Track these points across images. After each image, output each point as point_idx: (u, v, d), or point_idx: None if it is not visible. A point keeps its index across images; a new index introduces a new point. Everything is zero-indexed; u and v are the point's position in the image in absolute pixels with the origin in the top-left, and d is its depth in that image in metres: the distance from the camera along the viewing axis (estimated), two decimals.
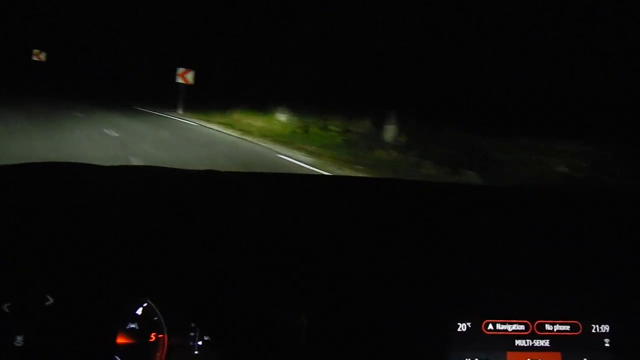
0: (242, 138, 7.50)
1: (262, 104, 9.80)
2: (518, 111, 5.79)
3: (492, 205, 0.81)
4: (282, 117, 9.55)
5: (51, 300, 0.52)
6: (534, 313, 0.63)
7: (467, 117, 6.05)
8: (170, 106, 11.49)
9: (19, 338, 0.51)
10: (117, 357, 0.52)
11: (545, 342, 0.63)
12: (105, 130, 6.22)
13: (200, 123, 9.12)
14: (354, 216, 0.70)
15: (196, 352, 0.55)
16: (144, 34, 15.14)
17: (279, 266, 0.59)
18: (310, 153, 6.56)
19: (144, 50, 15.25)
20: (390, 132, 7.25)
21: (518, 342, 0.63)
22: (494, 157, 5.56)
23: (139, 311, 0.55)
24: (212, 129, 8.42)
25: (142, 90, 13.37)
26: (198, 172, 0.80)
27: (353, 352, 0.58)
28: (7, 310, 0.51)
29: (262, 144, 7.00)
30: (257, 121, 9.39)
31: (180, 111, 10.99)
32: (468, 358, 0.61)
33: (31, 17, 18.19)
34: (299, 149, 6.87)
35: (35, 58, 15.52)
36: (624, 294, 0.66)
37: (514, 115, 5.79)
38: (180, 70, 11.09)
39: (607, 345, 0.65)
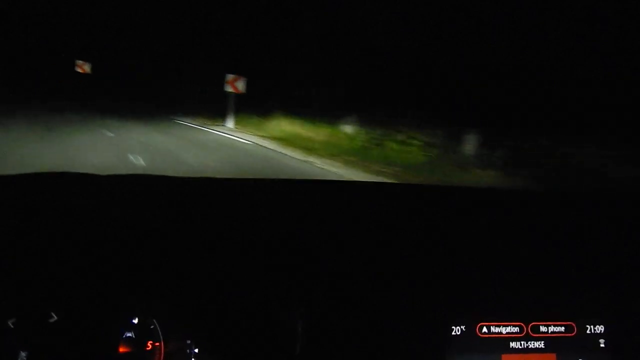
0: (307, 161, 7.61)
1: (320, 113, 10.48)
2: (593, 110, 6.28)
3: (489, 207, 1.03)
4: (347, 128, 9.97)
5: (55, 317, 0.68)
6: (528, 315, 0.82)
7: (536, 119, 6.50)
8: (217, 118, 12.44)
9: (23, 354, 0.66)
10: None
11: (540, 344, 0.82)
12: (130, 157, 6.23)
13: (255, 141, 9.52)
14: (353, 217, 0.92)
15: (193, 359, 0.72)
16: (189, 41, 17.38)
17: (279, 267, 0.78)
18: (395, 177, 6.57)
19: (189, 57, 17.39)
20: (471, 143, 7.33)
21: (513, 345, 0.81)
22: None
23: (135, 320, 0.72)
24: (270, 149, 8.70)
25: (186, 99, 15.12)
26: (197, 179, 1.06)
27: (350, 352, 0.75)
28: (12, 326, 0.67)
29: (335, 169, 7.01)
30: (318, 134, 9.87)
31: (229, 124, 11.78)
32: None
33: (76, 27, 22.05)
34: (379, 172, 6.91)
35: (78, 70, 18.68)
36: (618, 295, 0.85)
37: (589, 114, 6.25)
38: (230, 77, 11.83)
39: (602, 345, 0.83)
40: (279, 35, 13.37)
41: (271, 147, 8.89)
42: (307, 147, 8.91)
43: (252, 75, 11.84)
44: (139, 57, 20.38)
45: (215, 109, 12.88)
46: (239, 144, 9.15)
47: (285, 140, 9.57)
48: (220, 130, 10.75)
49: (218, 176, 1.17)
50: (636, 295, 0.85)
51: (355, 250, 0.83)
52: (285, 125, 10.87)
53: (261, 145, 9.07)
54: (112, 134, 8.23)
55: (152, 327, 0.72)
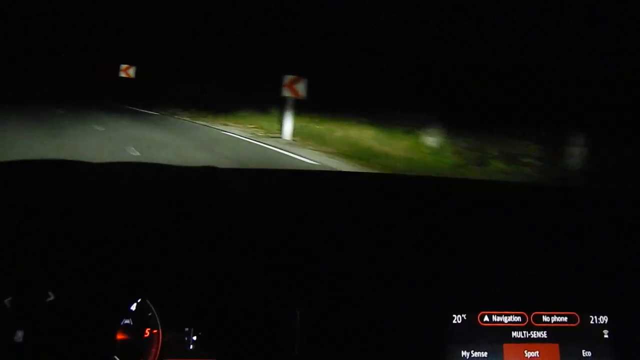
0: None
1: (396, 120, 10.81)
2: None
3: (492, 201, 1.26)
4: (430, 140, 10.05)
5: (52, 296, 0.84)
6: (530, 304, 1.03)
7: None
8: (270, 127, 13.08)
9: (19, 334, 0.82)
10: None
11: (542, 334, 1.03)
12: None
13: (322, 160, 9.66)
14: (352, 215, 1.15)
15: (191, 348, 0.91)
16: (239, 41, 19.55)
17: (278, 266, 0.97)
18: None
19: (240, 58, 19.45)
20: (577, 158, 7.49)
21: (515, 334, 1.02)
22: None
23: (133, 307, 0.88)
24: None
25: (234, 104, 16.64)
26: (197, 168, 1.30)
27: (350, 345, 0.94)
28: (8, 305, 0.83)
29: None
30: (394, 147, 10.05)
31: (286, 135, 12.07)
32: (464, 350, 1.00)
33: (121, 29, 25.91)
34: None
35: (122, 74, 21.39)
36: (622, 286, 1.05)
37: None
38: (289, 78, 12.07)
39: (606, 336, 1.04)
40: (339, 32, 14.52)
41: (346, 169, 9.03)
42: (390, 166, 9.06)
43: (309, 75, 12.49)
44: (183, 58, 23.02)
45: (264, 115, 13.71)
46: (304, 165, 9.31)
47: (358, 157, 9.74)
48: (277, 146, 11.00)
49: None
50: (637, 287, 1.06)
51: (354, 244, 1.04)
52: (352, 135, 11.10)
53: (333, 167, 9.23)
54: (138, 154, 8.76)
55: (150, 314, 0.91)
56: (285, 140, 12.04)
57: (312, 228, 1.09)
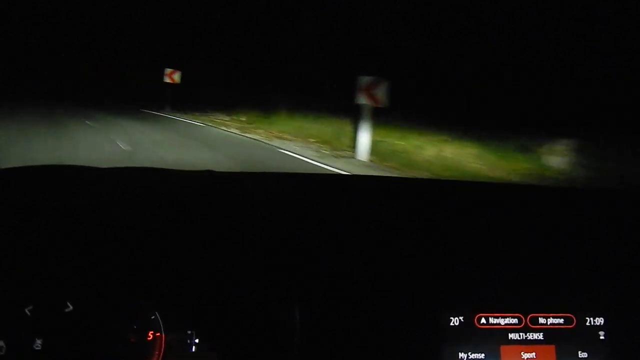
0: None
1: (499, 135, 10.93)
2: None
3: (489, 202, 1.55)
4: (554, 160, 10.07)
5: (70, 307, 1.10)
6: (527, 306, 1.30)
7: None
8: (336, 142, 13.39)
9: (39, 342, 1.08)
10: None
11: (539, 336, 1.30)
12: None
13: None
14: (352, 215, 1.42)
15: (193, 350, 1.14)
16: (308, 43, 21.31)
17: (277, 265, 1.22)
18: None
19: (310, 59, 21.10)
20: None
21: (511, 336, 1.29)
22: None
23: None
24: None
25: (289, 109, 18.21)
26: (198, 172, 1.58)
27: (348, 345, 1.19)
28: (29, 314, 1.10)
29: None
30: (514, 173, 9.94)
31: (362, 156, 12.23)
32: (461, 352, 1.26)
33: (168, 31, 29.61)
34: None
35: (167, 79, 24.22)
36: (619, 287, 1.31)
37: None
38: (365, 80, 12.24)
39: (601, 338, 1.30)
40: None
41: None
42: None
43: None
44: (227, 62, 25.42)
45: (327, 123, 14.25)
46: None
47: None
48: (351, 171, 10.93)
49: None
50: (637, 288, 1.31)
51: (354, 246, 1.33)
52: (448, 154, 11.11)
53: None
54: None
55: (152, 317, 1.15)
56: (361, 161, 12.20)
57: (311, 228, 1.37)
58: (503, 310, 1.31)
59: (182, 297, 1.20)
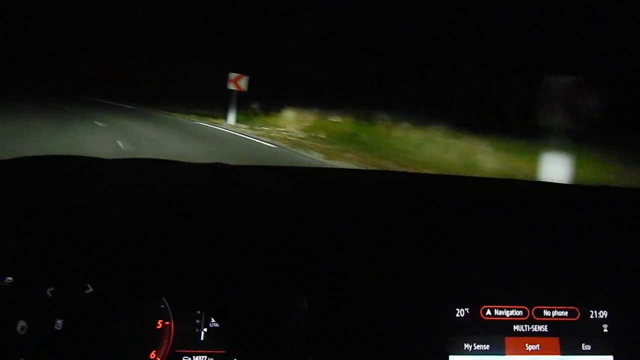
0: None
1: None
2: None
3: (494, 198, 1.58)
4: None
5: (90, 289, 1.16)
6: (532, 299, 1.33)
7: None
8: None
9: (59, 322, 1.14)
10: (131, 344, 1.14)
11: (543, 328, 1.33)
12: None
13: None
14: (354, 211, 1.45)
15: (202, 339, 1.20)
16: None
17: (284, 259, 1.27)
18: None
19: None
20: None
21: (516, 328, 1.33)
22: None
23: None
24: None
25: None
26: (203, 165, 1.60)
27: (356, 336, 1.23)
28: (50, 295, 1.15)
29: None
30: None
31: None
32: (466, 343, 1.30)
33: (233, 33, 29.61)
34: None
35: (231, 86, 21.02)
36: (622, 281, 1.34)
37: None
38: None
39: (605, 330, 1.33)
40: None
41: None
42: None
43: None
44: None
45: None
46: None
47: None
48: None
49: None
50: (637, 281, 1.35)
51: (355, 237, 1.36)
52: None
53: None
54: None
55: (162, 306, 1.21)
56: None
57: (314, 226, 1.41)
58: (508, 303, 1.34)
59: (191, 285, 1.25)
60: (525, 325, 1.35)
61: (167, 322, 1.21)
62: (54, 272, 1.20)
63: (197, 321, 1.23)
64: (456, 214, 1.52)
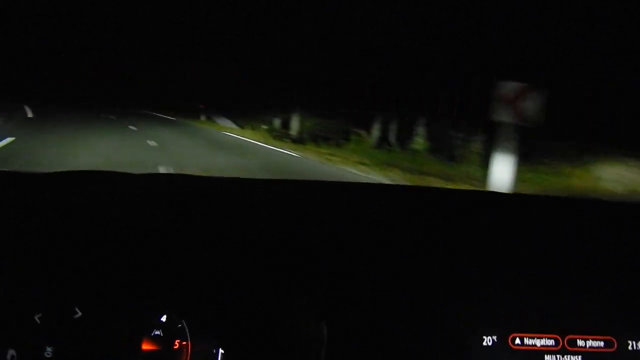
0: None
1: None
2: None
3: (517, 211, 1.47)
4: None
5: (79, 313, 1.11)
6: (564, 327, 1.21)
7: None
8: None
9: (49, 349, 1.10)
10: None
11: (577, 359, 1.21)
12: None
13: None
14: (366, 226, 1.39)
15: (219, 359, 1.15)
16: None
17: (303, 278, 1.23)
18: None
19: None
20: None
21: (548, 358, 1.21)
22: None
23: (164, 318, 1.15)
24: None
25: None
26: (221, 179, 1.63)
27: None
28: (38, 321, 1.11)
29: None
30: None
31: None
32: None
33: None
34: None
35: (504, 111, 16.58)
36: None
37: None
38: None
39: None
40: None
41: None
42: None
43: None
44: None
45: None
46: None
47: None
48: None
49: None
50: None
51: (386, 267, 1.30)
52: None
53: None
54: None
55: (179, 326, 1.18)
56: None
57: (332, 244, 1.35)
58: (539, 331, 1.24)
59: (208, 306, 1.22)
60: (558, 356, 1.23)
61: (184, 342, 1.18)
62: (41, 298, 1.17)
63: (214, 341, 1.20)
64: (483, 234, 1.42)
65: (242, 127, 24.49)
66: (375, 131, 17.50)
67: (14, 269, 1.20)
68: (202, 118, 28.07)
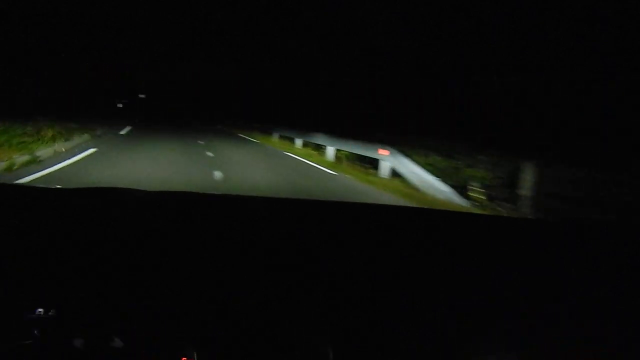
0: None
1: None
2: None
3: (538, 239, 1.49)
4: None
5: (117, 341, 1.14)
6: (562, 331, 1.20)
7: None
8: None
9: None
10: None
11: None
12: None
13: None
14: (373, 245, 1.40)
15: None
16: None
17: (308, 300, 1.25)
18: None
19: None
20: None
21: None
22: None
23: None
24: None
25: None
26: (225, 196, 1.67)
27: None
28: (79, 347, 1.12)
29: None
30: None
31: None
32: None
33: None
34: None
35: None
36: None
37: None
38: None
39: None
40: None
41: None
42: None
43: None
44: None
45: None
46: None
47: None
48: None
49: None
50: None
51: (379, 266, 1.34)
52: None
53: None
54: None
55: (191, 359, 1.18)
56: None
57: (332, 244, 1.41)
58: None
59: (212, 323, 1.24)
60: None
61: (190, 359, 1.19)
62: (81, 324, 1.19)
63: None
64: (497, 260, 1.44)
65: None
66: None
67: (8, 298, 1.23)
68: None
